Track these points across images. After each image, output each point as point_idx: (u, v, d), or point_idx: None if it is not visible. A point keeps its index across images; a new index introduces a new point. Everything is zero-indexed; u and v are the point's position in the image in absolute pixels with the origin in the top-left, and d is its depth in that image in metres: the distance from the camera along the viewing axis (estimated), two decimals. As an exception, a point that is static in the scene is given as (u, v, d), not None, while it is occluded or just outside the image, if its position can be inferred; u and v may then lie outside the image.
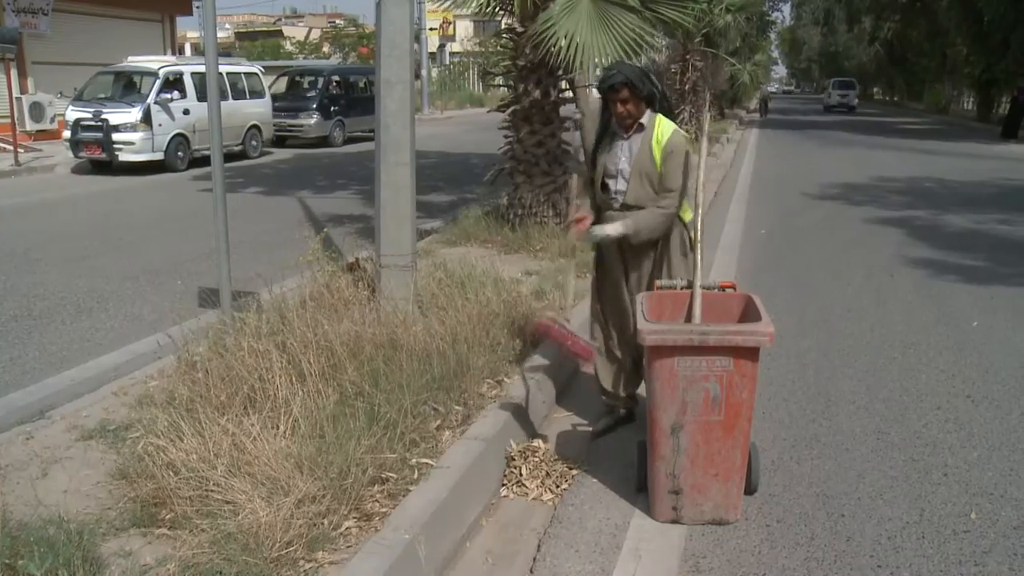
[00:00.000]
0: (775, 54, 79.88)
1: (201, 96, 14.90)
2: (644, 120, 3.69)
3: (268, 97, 17.98)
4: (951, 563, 2.95)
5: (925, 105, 49.12)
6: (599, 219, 3.85)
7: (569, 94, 8.61)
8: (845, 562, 2.97)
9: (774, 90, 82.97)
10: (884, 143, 23.21)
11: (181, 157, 14.85)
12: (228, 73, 16.36)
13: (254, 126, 17.27)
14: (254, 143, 17.34)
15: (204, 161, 14.70)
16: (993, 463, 3.72)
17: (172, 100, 14.66)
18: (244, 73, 17.34)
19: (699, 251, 3.43)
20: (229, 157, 14.50)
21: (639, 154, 3.67)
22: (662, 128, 3.68)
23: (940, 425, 4.14)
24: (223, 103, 14.73)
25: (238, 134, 16.47)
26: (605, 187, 3.78)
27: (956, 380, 4.77)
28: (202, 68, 15.28)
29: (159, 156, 14.39)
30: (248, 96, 17.11)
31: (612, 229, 3.65)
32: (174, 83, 14.93)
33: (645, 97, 3.63)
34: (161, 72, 14.73)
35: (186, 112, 14.92)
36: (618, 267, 3.86)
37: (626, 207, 3.71)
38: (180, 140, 14.82)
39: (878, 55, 54.43)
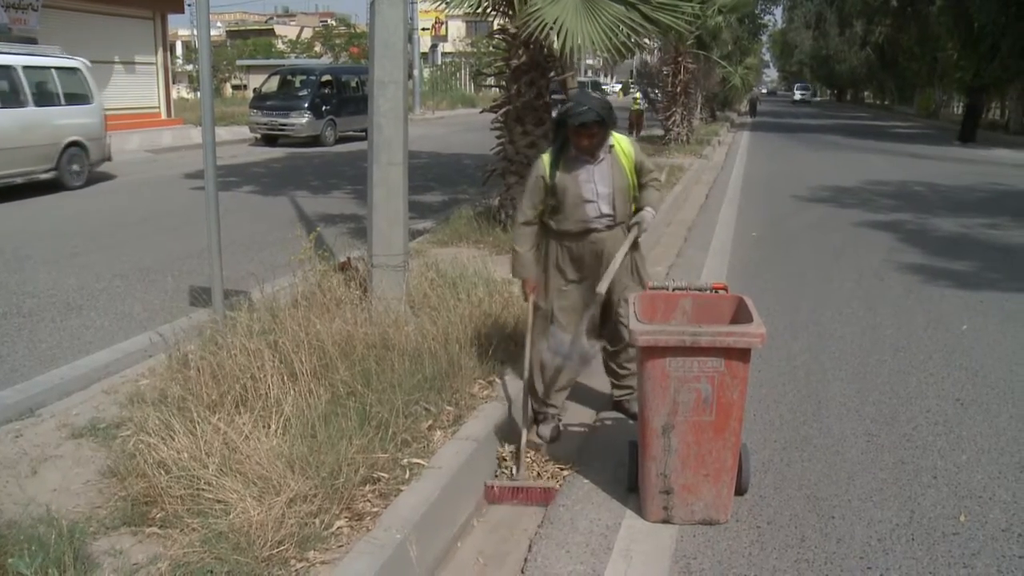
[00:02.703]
0: (767, 57, 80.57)
1: None
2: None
3: (97, 103, 12.36)
4: (940, 565, 2.97)
5: (915, 109, 49.46)
6: (548, 244, 3.85)
7: (562, 95, 8.60)
8: (835, 564, 2.98)
9: (764, 92, 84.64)
10: (874, 147, 23.35)
11: None
12: (27, 67, 11.19)
13: (74, 143, 11.69)
14: (75, 167, 11.74)
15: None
16: (982, 466, 3.74)
17: None
18: (57, 69, 11.73)
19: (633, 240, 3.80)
20: (29, 188, 10.93)
21: (616, 175, 3.74)
22: (620, 143, 3.79)
23: (930, 428, 4.16)
24: (18, 110, 10.96)
25: (49, 154, 11.27)
26: (580, 211, 3.73)
27: (946, 383, 4.79)
28: None
29: None
30: (63, 102, 11.70)
31: (647, 224, 3.81)
32: None
33: (610, 126, 3.68)
34: None
35: None
36: (575, 279, 3.86)
37: (612, 227, 3.78)
38: None
39: (869, 59, 54.68)
